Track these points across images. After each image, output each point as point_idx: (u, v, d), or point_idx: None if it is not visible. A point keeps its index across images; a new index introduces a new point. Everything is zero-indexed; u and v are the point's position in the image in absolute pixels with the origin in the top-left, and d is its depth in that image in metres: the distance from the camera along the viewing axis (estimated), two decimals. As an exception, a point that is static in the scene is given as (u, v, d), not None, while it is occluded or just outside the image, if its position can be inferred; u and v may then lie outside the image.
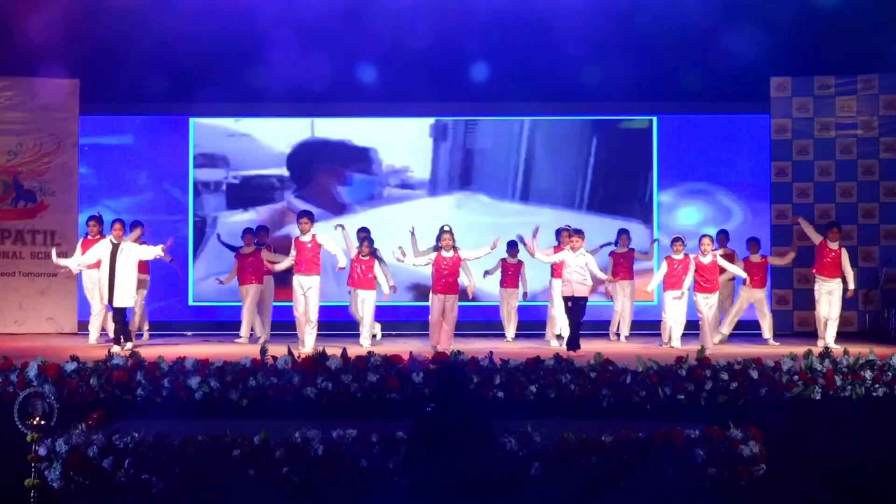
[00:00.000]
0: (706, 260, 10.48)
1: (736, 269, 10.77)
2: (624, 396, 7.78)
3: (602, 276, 10.41)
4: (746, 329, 11.77)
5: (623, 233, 11.57)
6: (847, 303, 11.13)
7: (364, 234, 10.91)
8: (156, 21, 11.53)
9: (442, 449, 4.85)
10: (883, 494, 7.46)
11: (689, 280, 10.55)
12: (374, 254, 10.69)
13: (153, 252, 10.13)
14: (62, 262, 10.33)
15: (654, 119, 13.10)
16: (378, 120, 13.16)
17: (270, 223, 12.59)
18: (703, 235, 10.62)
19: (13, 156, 12.24)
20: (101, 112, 12.73)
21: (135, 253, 9.99)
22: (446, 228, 10.55)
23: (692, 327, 11.20)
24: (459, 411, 5.05)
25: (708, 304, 10.46)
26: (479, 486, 4.85)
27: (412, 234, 10.60)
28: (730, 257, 11.31)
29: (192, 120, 13.03)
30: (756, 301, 11.15)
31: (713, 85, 12.41)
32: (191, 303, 12.95)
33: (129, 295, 9.90)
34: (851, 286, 10.78)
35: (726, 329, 11.21)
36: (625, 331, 11.51)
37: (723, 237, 11.51)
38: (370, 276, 10.62)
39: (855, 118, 12.46)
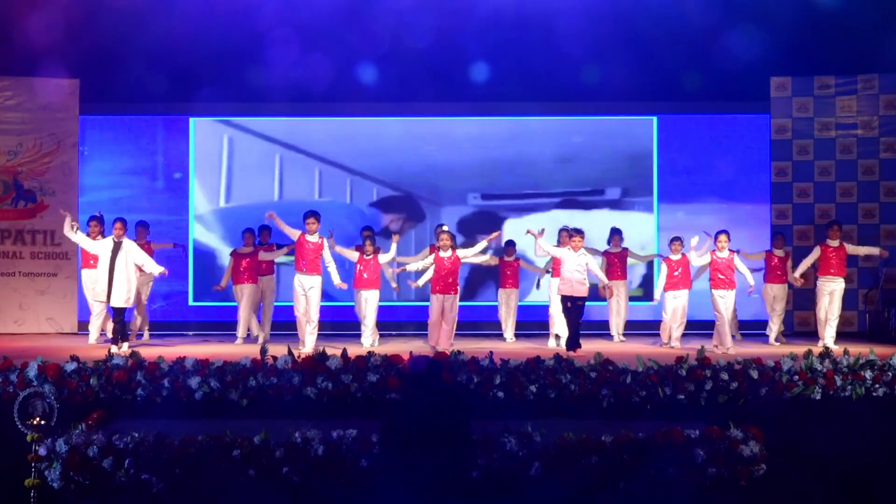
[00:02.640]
0: (723, 256, 10.42)
1: (746, 272, 10.65)
2: (624, 396, 7.79)
3: (603, 277, 10.36)
4: (747, 329, 11.78)
5: (616, 233, 11.56)
6: (847, 303, 11.12)
7: (368, 234, 10.90)
8: (156, 21, 11.53)
9: (416, 445, 4.83)
10: (883, 494, 7.47)
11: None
12: (377, 252, 10.68)
13: (153, 269, 10.10)
14: (69, 229, 10.29)
15: (654, 119, 13.11)
16: (378, 120, 13.18)
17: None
18: (720, 232, 10.52)
19: (13, 156, 12.24)
20: (101, 112, 12.74)
21: (135, 256, 9.97)
22: (444, 228, 10.57)
23: (692, 327, 11.22)
24: (434, 407, 5.03)
25: (725, 301, 10.37)
26: (458, 483, 4.84)
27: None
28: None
29: (192, 120, 13.04)
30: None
31: (713, 85, 12.42)
32: (191, 303, 12.95)
33: (125, 295, 9.86)
34: (876, 251, 10.92)
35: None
36: (617, 330, 11.49)
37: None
38: (374, 275, 10.61)
39: (855, 118, 12.46)
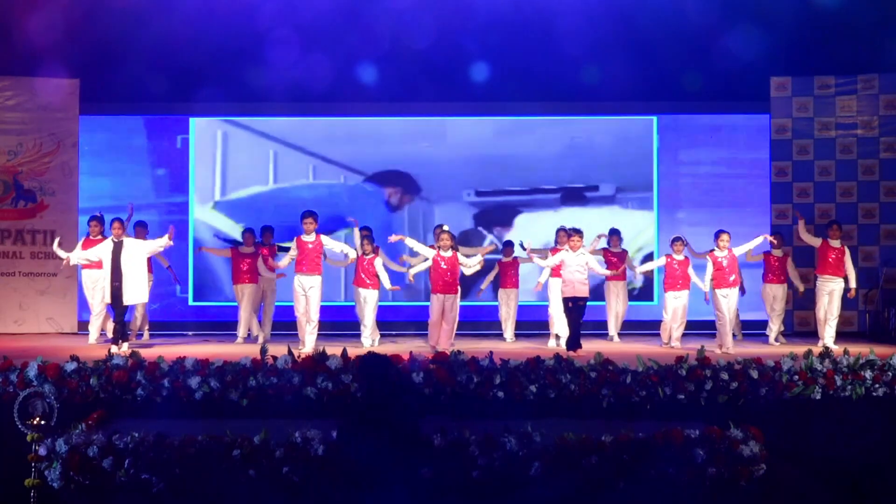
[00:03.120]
0: (723, 255, 10.41)
1: (749, 244, 10.59)
2: (624, 396, 7.78)
3: (604, 271, 10.40)
4: (747, 329, 11.78)
5: (615, 233, 11.54)
6: (847, 303, 11.11)
7: (366, 233, 10.90)
8: (156, 21, 11.54)
9: (369, 443, 4.84)
10: (883, 494, 7.47)
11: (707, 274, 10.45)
12: (376, 252, 10.69)
13: (159, 243, 10.01)
14: (61, 252, 10.30)
15: (654, 119, 13.11)
16: (377, 120, 13.17)
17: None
18: (720, 231, 10.50)
19: (13, 156, 12.24)
20: (101, 112, 12.74)
21: (140, 248, 9.93)
22: (445, 228, 10.56)
23: (693, 327, 11.21)
24: (385, 406, 5.03)
25: (728, 300, 10.34)
26: (409, 481, 4.84)
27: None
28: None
29: (192, 120, 13.04)
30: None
31: (713, 85, 12.42)
32: (191, 303, 12.95)
33: (140, 291, 9.86)
34: (853, 285, 10.72)
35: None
36: (613, 330, 11.48)
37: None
38: (372, 275, 10.61)
39: (855, 118, 12.45)
